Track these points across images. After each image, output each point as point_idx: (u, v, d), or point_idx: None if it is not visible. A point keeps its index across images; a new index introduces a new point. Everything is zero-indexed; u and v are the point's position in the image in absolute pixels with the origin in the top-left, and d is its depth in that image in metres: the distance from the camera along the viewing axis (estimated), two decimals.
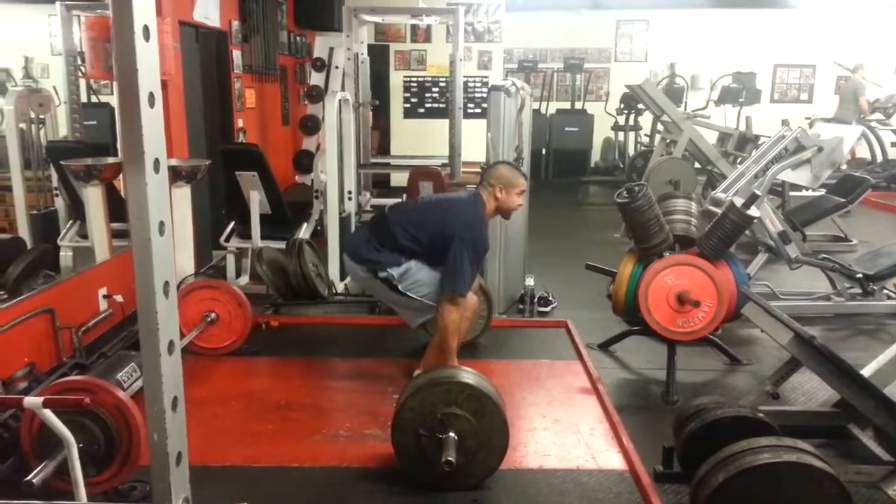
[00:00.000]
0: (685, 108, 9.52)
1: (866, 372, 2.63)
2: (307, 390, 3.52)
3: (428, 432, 2.54)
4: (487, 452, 2.59)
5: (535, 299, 4.60)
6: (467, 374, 2.67)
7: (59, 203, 4.36)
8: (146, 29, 1.35)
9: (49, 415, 2.04)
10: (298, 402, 3.36)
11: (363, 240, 3.42)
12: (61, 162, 3.93)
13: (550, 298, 4.70)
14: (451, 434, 2.53)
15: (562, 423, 3.18)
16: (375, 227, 3.41)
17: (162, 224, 1.43)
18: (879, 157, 10.00)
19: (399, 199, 5.19)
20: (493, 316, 4.11)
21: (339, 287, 4.84)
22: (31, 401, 2.07)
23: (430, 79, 9.73)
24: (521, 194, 3.47)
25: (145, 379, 1.49)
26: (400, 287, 3.32)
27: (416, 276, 3.32)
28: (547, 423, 3.18)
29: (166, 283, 1.45)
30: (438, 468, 2.46)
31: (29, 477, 2.10)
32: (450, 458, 2.45)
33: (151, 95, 1.38)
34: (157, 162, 1.41)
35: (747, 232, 4.16)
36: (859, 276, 4.45)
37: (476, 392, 2.57)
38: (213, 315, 3.76)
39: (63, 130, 4.51)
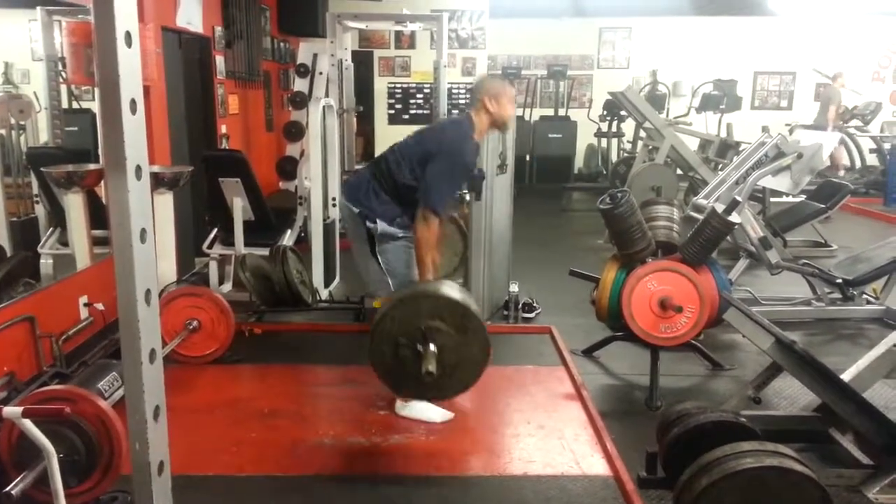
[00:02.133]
0: (667, 115, 9.61)
1: (846, 376, 2.65)
2: (291, 398, 3.51)
3: (409, 343, 2.49)
4: (465, 369, 2.56)
5: (520, 305, 4.61)
6: (454, 290, 2.62)
7: (40, 210, 4.31)
8: (128, 35, 1.34)
9: (29, 425, 2.02)
10: (282, 410, 3.34)
11: (362, 181, 3.32)
12: (42, 168, 3.89)
13: (535, 304, 4.71)
14: (432, 347, 2.48)
15: (546, 430, 3.18)
16: (375, 166, 3.32)
17: (143, 231, 1.42)
18: (858, 164, 10.14)
19: None
20: (468, 251, 3.98)
21: (324, 294, 4.83)
22: (11, 410, 2.04)
23: (414, 85, 9.75)
24: (512, 102, 3.33)
25: (126, 388, 1.48)
26: (376, 247, 3.24)
27: (393, 253, 3.23)
28: (531, 430, 3.18)
29: (148, 291, 1.44)
30: (413, 380, 2.44)
31: (8, 488, 2.06)
32: (430, 369, 2.42)
33: (133, 102, 1.37)
34: (138, 169, 1.40)
35: (728, 238, 4.20)
36: (839, 281, 4.49)
37: (462, 309, 2.52)
38: (195, 323, 3.73)
39: (44, 136, 4.47)
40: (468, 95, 9.36)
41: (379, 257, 3.27)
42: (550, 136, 10.60)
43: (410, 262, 3.27)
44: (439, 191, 3.12)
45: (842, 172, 9.84)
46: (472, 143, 3.25)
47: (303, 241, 5.26)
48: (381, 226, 3.21)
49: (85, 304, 3.72)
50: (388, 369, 2.57)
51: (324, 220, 4.92)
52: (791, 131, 8.84)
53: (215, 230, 4.98)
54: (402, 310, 2.53)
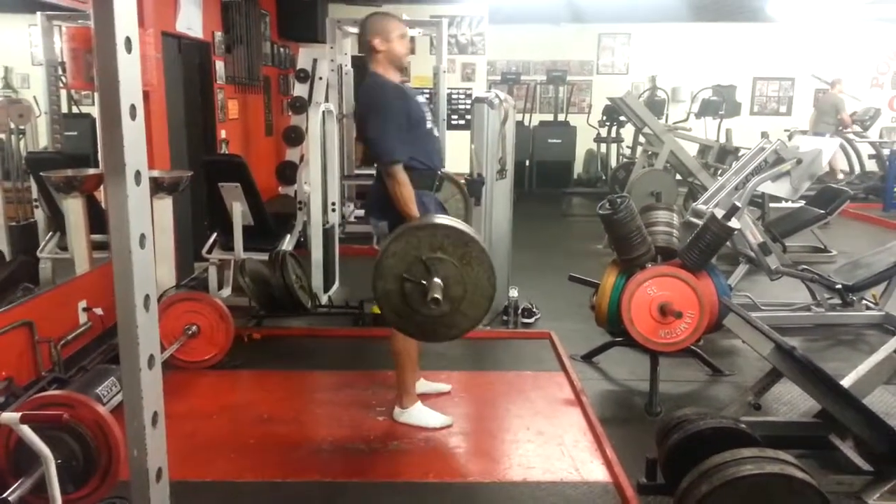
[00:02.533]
0: (666, 121, 9.61)
1: (846, 382, 2.65)
2: (290, 404, 3.50)
3: (413, 278, 2.41)
4: (472, 302, 2.49)
5: (519, 311, 4.60)
6: (454, 221, 2.56)
7: (39, 214, 4.31)
8: (128, 41, 1.34)
9: (27, 431, 2.01)
10: (281, 416, 3.34)
11: (373, 191, 3.25)
12: (41, 173, 3.89)
13: (534, 310, 4.70)
14: (437, 279, 2.42)
15: (546, 436, 3.18)
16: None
17: (143, 237, 1.41)
18: (857, 170, 10.15)
19: None
20: (472, 206, 3.93)
21: (323, 299, 4.82)
22: (9, 416, 2.03)
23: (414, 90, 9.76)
24: (402, 37, 3.13)
25: (125, 394, 1.47)
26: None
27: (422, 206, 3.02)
28: (531, 436, 3.18)
29: (147, 297, 1.44)
30: (421, 317, 2.37)
31: (5, 494, 2.06)
32: (436, 296, 2.36)
33: (133, 107, 1.37)
34: (138, 174, 1.40)
35: (728, 243, 4.20)
36: (839, 286, 4.49)
37: (463, 237, 2.46)
38: (194, 328, 3.72)
39: (43, 141, 4.47)
40: (468, 103, 9.39)
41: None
42: (550, 141, 10.62)
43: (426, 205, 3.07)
44: (382, 139, 2.94)
45: (840, 176, 9.84)
46: (388, 85, 3.06)
47: (302, 246, 5.25)
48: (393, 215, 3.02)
49: (84, 309, 3.71)
50: (396, 309, 2.47)
51: (323, 224, 4.91)
52: (790, 137, 8.88)
53: (214, 235, 4.98)
54: (401, 244, 2.45)
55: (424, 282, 2.41)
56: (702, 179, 7.22)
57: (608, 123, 10.40)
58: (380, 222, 3.11)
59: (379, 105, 3.00)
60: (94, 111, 4.97)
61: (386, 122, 2.94)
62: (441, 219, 2.61)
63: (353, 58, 7.50)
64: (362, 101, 3.14)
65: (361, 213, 7.15)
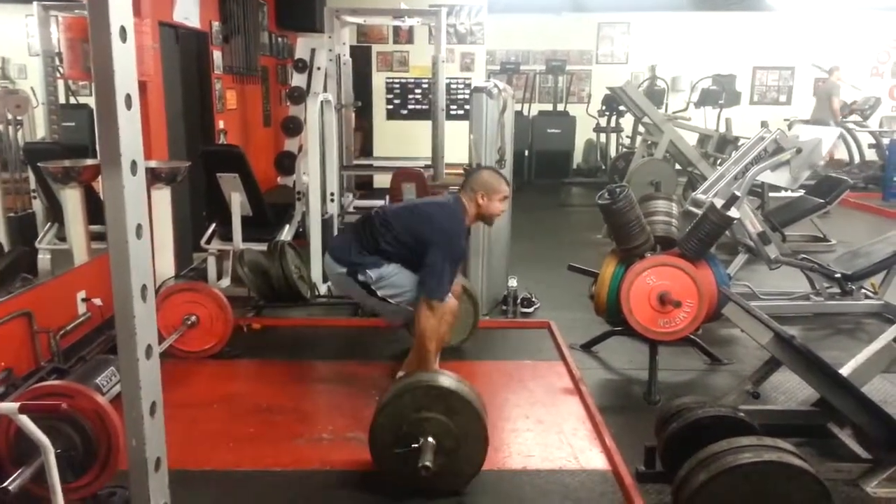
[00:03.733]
0: (666, 110, 9.59)
1: (845, 371, 2.65)
2: (289, 393, 3.50)
3: (404, 447, 2.50)
4: (468, 449, 2.56)
5: (518, 300, 4.61)
6: (431, 375, 2.65)
7: (37, 205, 4.31)
8: (123, 30, 1.34)
9: (26, 420, 2.01)
10: (280, 406, 3.34)
11: (346, 242, 3.41)
12: (39, 164, 3.88)
13: (533, 299, 4.71)
14: (429, 439, 2.49)
15: (545, 424, 3.18)
16: (359, 229, 3.39)
17: (139, 227, 1.41)
18: (857, 159, 10.14)
19: (382, 202, 5.18)
20: (480, 317, 4.10)
21: (322, 289, 4.82)
22: (7, 406, 2.03)
23: (412, 80, 9.73)
24: (503, 200, 3.44)
25: (123, 384, 1.47)
26: (377, 292, 3.30)
27: (393, 280, 3.29)
28: (530, 424, 3.18)
29: (144, 287, 1.44)
30: (424, 477, 2.44)
31: (5, 484, 2.06)
32: (427, 464, 2.42)
33: (128, 97, 1.37)
34: (134, 164, 1.39)
35: (727, 233, 4.19)
36: (838, 275, 4.50)
37: (441, 391, 2.54)
38: (193, 318, 3.73)
39: (41, 132, 4.46)
40: (467, 93, 9.35)
41: (386, 299, 3.32)
42: (549, 131, 10.60)
43: (411, 278, 3.30)
44: (440, 280, 3.21)
45: (821, 163, 9.78)
46: (463, 228, 3.39)
47: (301, 237, 5.25)
48: (372, 273, 3.27)
49: (83, 300, 3.71)
50: (401, 473, 2.58)
51: (322, 215, 4.90)
52: (790, 126, 8.86)
53: (213, 225, 4.98)
54: (385, 417, 2.55)
55: (416, 445, 2.49)
56: (701, 169, 7.21)
57: (607, 113, 10.39)
58: (361, 276, 3.29)
59: (450, 245, 3.27)
60: (92, 101, 4.96)
61: (449, 261, 3.25)
62: (417, 377, 2.69)
63: (352, 47, 7.48)
64: (436, 225, 3.29)
65: (360, 203, 7.15)
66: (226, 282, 4.89)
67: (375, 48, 9.63)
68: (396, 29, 9.51)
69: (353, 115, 7.43)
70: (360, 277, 3.29)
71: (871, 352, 2.73)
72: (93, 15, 1.32)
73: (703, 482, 2.10)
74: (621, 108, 9.61)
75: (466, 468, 2.60)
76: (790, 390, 3.44)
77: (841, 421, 2.78)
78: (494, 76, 10.01)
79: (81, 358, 3.34)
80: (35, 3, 4.16)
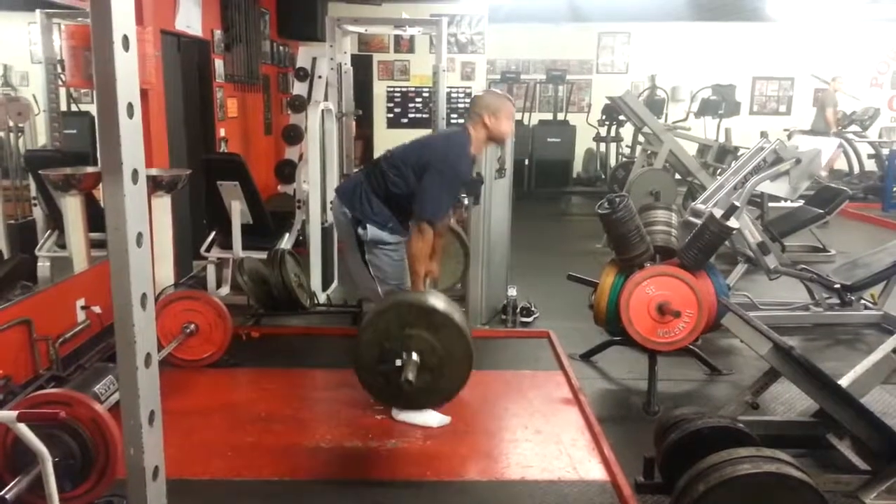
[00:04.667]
0: (666, 120, 9.62)
1: (844, 382, 2.65)
2: (288, 402, 3.50)
3: (390, 363, 2.47)
4: (453, 365, 2.54)
5: (518, 310, 4.60)
6: (414, 294, 2.63)
7: (38, 213, 4.31)
8: (125, 39, 1.34)
9: (24, 429, 2.01)
10: (279, 414, 3.34)
11: (356, 181, 3.34)
12: (40, 171, 3.88)
13: (533, 309, 4.71)
14: (413, 356, 2.47)
15: (544, 434, 3.18)
16: (369, 173, 3.32)
17: (140, 235, 1.41)
18: (856, 169, 10.15)
19: None
20: (469, 265, 4.01)
21: (321, 297, 4.82)
22: (6, 415, 2.03)
23: (413, 89, 9.76)
24: (510, 118, 3.34)
25: (122, 393, 1.47)
26: (364, 253, 3.25)
27: (386, 259, 3.23)
28: (529, 434, 3.18)
29: (144, 295, 1.44)
30: (409, 392, 2.43)
31: (2, 493, 2.06)
32: (409, 378, 2.41)
33: (130, 106, 1.37)
34: (135, 172, 1.39)
35: (727, 243, 4.20)
36: (837, 286, 4.50)
37: (424, 308, 2.52)
38: (192, 326, 3.72)
39: (42, 139, 4.47)
40: (468, 102, 9.38)
41: (368, 264, 3.28)
42: (549, 140, 10.61)
43: (401, 269, 3.27)
44: (435, 202, 3.14)
45: (824, 174, 9.80)
46: (468, 156, 3.27)
47: (301, 245, 5.26)
48: (371, 231, 3.21)
49: (82, 307, 3.71)
50: (386, 393, 2.58)
51: (322, 223, 4.91)
52: (789, 136, 8.88)
53: (213, 233, 4.98)
54: (370, 333, 2.53)
55: (399, 362, 2.49)
56: (701, 179, 7.22)
57: (607, 123, 10.41)
58: (360, 229, 3.22)
59: (450, 169, 3.19)
60: (93, 109, 4.97)
61: (448, 188, 3.18)
62: (401, 295, 2.71)
63: (353, 56, 7.50)
64: (439, 151, 3.24)
65: None
66: (225, 290, 4.89)
67: (376, 57, 9.67)
68: (397, 38, 9.55)
69: (354, 123, 7.42)
70: (360, 230, 3.22)
71: (871, 363, 2.73)
72: (95, 24, 1.32)
73: (702, 493, 2.09)
74: (621, 117, 9.63)
75: (450, 384, 2.58)
76: (789, 401, 3.44)
77: (840, 432, 2.77)
78: (495, 85, 10.05)
79: (80, 366, 3.35)
80: (37, 10, 4.18)
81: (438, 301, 2.58)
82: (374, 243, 3.23)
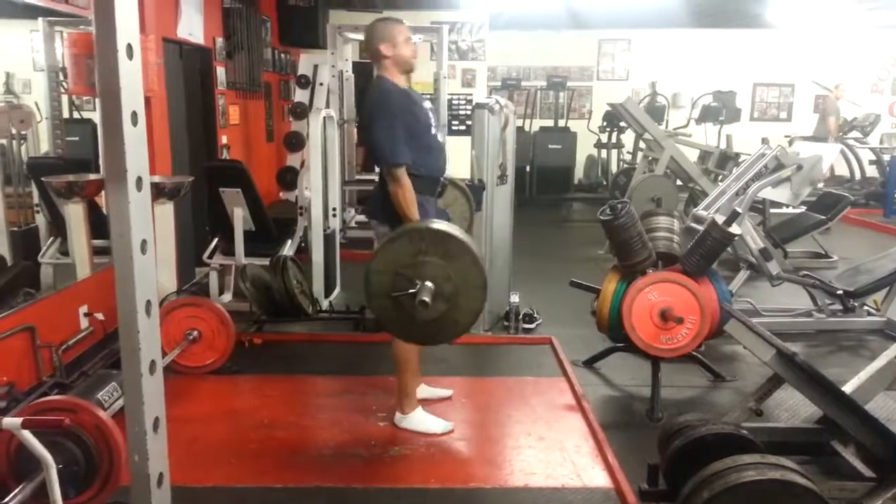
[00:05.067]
0: (667, 127, 9.63)
1: (848, 388, 2.64)
2: (291, 409, 3.49)
3: (401, 290, 2.40)
4: (467, 294, 2.48)
5: (520, 316, 4.60)
6: (427, 221, 2.57)
7: (40, 220, 4.31)
8: (129, 48, 1.35)
9: (28, 436, 2.01)
10: (282, 421, 3.33)
11: (374, 196, 3.29)
12: (42, 178, 3.89)
13: (535, 315, 4.70)
14: (427, 283, 2.41)
15: (547, 441, 3.17)
16: (380, 180, 3.22)
17: (144, 242, 1.42)
18: (858, 175, 10.16)
19: None
20: (474, 211, 3.96)
21: (324, 304, 4.82)
22: (10, 421, 2.03)
23: None
24: (407, 41, 3.15)
25: (126, 399, 1.47)
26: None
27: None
28: (532, 441, 3.17)
29: (148, 302, 1.44)
30: (422, 322, 2.36)
31: (6, 500, 2.06)
32: (424, 299, 2.34)
33: (134, 114, 1.37)
34: (139, 180, 1.40)
35: (729, 249, 4.19)
36: (840, 292, 4.49)
37: (439, 234, 2.46)
38: (195, 333, 3.72)
39: (45, 146, 4.47)
40: (469, 109, 9.39)
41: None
42: (550, 147, 10.62)
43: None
44: (387, 142, 2.98)
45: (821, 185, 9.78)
46: (395, 90, 3.09)
47: (303, 252, 5.25)
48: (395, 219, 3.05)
49: (85, 314, 3.71)
50: (396, 321, 2.48)
51: (324, 230, 4.92)
52: (790, 143, 8.88)
53: (216, 240, 4.98)
54: (381, 259, 2.44)
55: (412, 290, 2.41)
56: (702, 185, 7.21)
57: (608, 129, 10.42)
58: (381, 226, 3.13)
59: (386, 109, 3.02)
60: (96, 116, 4.98)
61: (392, 127, 2.98)
62: (415, 224, 2.62)
63: (354, 63, 7.52)
64: (369, 104, 3.12)
65: (362, 218, 7.16)
66: (228, 296, 4.89)
67: None
68: None
69: (356, 130, 7.45)
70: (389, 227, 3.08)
71: (875, 369, 2.72)
72: (100, 32, 1.33)
73: (707, 500, 2.08)
74: (622, 124, 9.64)
75: (464, 316, 2.51)
76: (793, 408, 3.43)
77: (844, 439, 2.77)
78: (496, 92, 10.06)
79: (84, 373, 3.34)
80: (40, 18, 4.19)
81: (452, 228, 2.52)
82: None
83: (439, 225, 2.54)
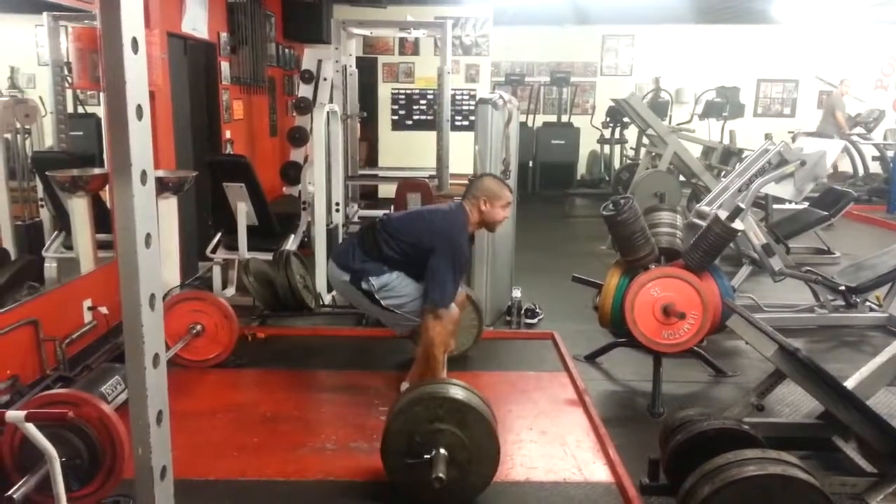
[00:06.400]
0: (670, 122, 9.60)
1: (850, 384, 2.65)
2: (293, 403, 3.51)
3: (416, 457, 2.49)
4: (481, 462, 2.56)
5: (522, 311, 4.61)
6: (446, 387, 2.64)
7: (45, 214, 4.32)
8: (135, 41, 1.35)
9: (31, 429, 2.02)
10: (285, 415, 3.35)
11: (349, 248, 3.40)
12: (47, 172, 3.90)
13: (537, 310, 4.71)
14: (442, 450, 2.49)
15: (548, 436, 3.18)
16: (362, 237, 3.39)
17: (148, 236, 1.42)
18: (861, 171, 10.13)
19: (387, 211, 5.19)
20: (484, 327, 4.10)
21: (327, 299, 4.83)
22: (14, 414, 2.04)
23: (417, 91, 9.77)
24: (505, 207, 3.42)
25: (130, 392, 1.48)
26: (380, 301, 3.29)
27: (396, 289, 3.28)
28: (534, 436, 3.18)
29: (152, 296, 1.45)
30: (434, 488, 2.43)
31: (10, 492, 2.07)
32: (440, 475, 2.41)
33: (139, 108, 1.38)
34: (143, 174, 1.41)
35: (731, 244, 4.19)
36: (842, 288, 4.49)
37: (457, 403, 2.54)
38: (198, 327, 3.73)
39: (49, 141, 4.48)
40: (472, 104, 9.39)
41: (390, 308, 3.32)
42: (553, 142, 10.61)
43: (413, 290, 3.30)
44: (445, 287, 3.19)
45: (824, 179, 9.74)
46: (467, 235, 3.37)
47: (306, 246, 5.27)
48: (375, 281, 3.27)
49: (89, 308, 3.73)
50: (412, 485, 2.57)
51: (327, 225, 4.92)
52: (794, 139, 8.86)
53: (219, 234, 5.00)
54: (399, 425, 2.54)
55: (428, 456, 2.49)
56: (705, 181, 7.21)
57: (612, 125, 10.40)
58: (364, 285, 3.28)
59: (454, 252, 3.24)
60: (100, 111, 5.00)
61: (454, 270, 3.23)
62: (431, 386, 2.69)
63: (358, 59, 7.52)
64: (439, 232, 3.27)
65: (365, 213, 7.17)
66: (231, 291, 4.91)
67: (381, 59, 9.68)
68: (402, 41, 9.56)
69: (359, 125, 7.46)
70: (364, 286, 3.28)
71: (876, 364, 2.73)
72: (105, 26, 1.33)
73: (708, 495, 2.09)
74: (625, 119, 9.64)
75: (477, 481, 2.59)
76: (795, 403, 3.43)
77: (846, 434, 2.77)
78: (499, 87, 10.05)
79: (87, 366, 3.36)
80: (45, 13, 4.20)
81: (470, 395, 2.61)
82: (382, 289, 3.28)
83: (457, 392, 2.61)
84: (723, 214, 3.49)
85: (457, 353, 3.84)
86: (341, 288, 3.46)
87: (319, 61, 7.44)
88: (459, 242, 3.28)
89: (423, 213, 3.58)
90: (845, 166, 10.27)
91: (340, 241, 5.16)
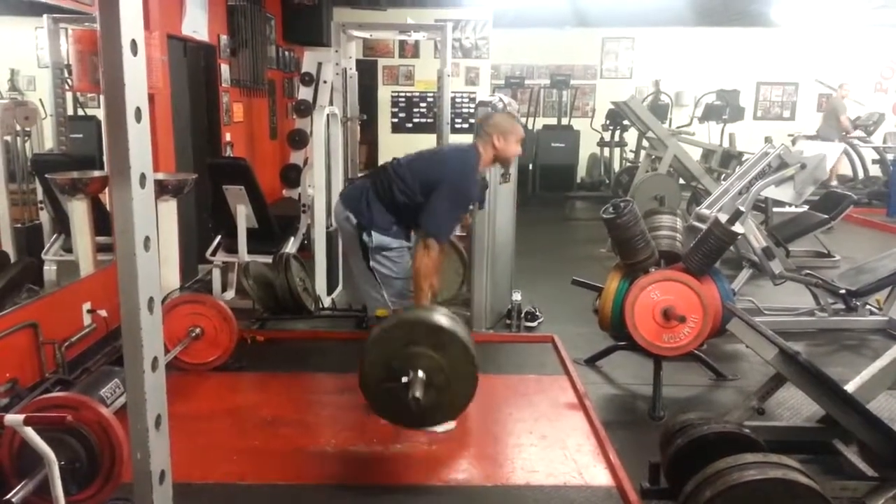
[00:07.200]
0: (670, 125, 9.62)
1: (850, 387, 2.64)
2: (293, 406, 3.50)
3: (395, 382, 2.47)
4: (459, 382, 2.55)
5: (522, 314, 4.60)
6: (419, 311, 2.64)
7: (44, 216, 4.32)
8: (134, 43, 1.35)
9: (30, 432, 2.01)
10: (284, 418, 3.34)
11: (361, 187, 3.35)
12: (46, 175, 3.90)
13: (537, 313, 4.70)
14: (419, 373, 2.48)
15: (549, 439, 3.17)
16: (375, 177, 3.34)
17: (147, 239, 1.42)
18: (861, 175, 10.13)
19: None
20: (466, 277, 4.05)
21: (326, 301, 4.83)
22: (12, 418, 2.04)
23: (417, 94, 9.79)
24: (518, 141, 3.36)
25: (129, 396, 1.47)
26: (370, 259, 3.26)
27: (393, 258, 3.26)
28: (534, 439, 3.17)
29: (151, 299, 1.44)
30: (417, 410, 2.43)
31: (8, 496, 2.06)
32: (416, 395, 2.41)
33: (138, 110, 1.37)
34: (143, 177, 1.40)
35: (732, 248, 4.19)
36: (842, 291, 4.48)
37: (431, 326, 2.53)
38: (198, 330, 3.73)
39: (49, 143, 4.48)
40: (472, 107, 9.40)
41: (373, 271, 3.30)
42: (553, 145, 10.60)
43: (405, 275, 3.30)
44: (442, 219, 3.17)
45: (834, 182, 9.78)
46: (476, 174, 3.32)
47: (306, 249, 5.26)
48: (376, 238, 3.25)
49: (88, 311, 3.72)
50: (392, 411, 2.59)
51: (327, 227, 4.92)
52: (794, 142, 8.87)
53: (219, 237, 4.99)
54: (375, 352, 2.54)
55: (405, 379, 2.48)
56: (705, 184, 7.22)
57: (612, 127, 10.40)
58: (366, 236, 3.25)
59: (459, 187, 3.21)
60: (100, 113, 4.99)
61: (455, 205, 3.22)
62: (407, 314, 2.70)
63: (358, 61, 7.52)
64: (448, 167, 3.26)
65: None
66: (230, 294, 4.90)
67: (381, 62, 9.69)
68: (402, 43, 9.57)
69: (359, 128, 7.45)
70: (365, 237, 3.25)
71: (877, 368, 2.72)
72: (104, 28, 1.33)
73: (709, 499, 2.08)
74: (625, 122, 9.64)
75: (458, 400, 2.58)
76: (795, 406, 3.43)
77: (847, 438, 2.76)
78: (499, 90, 10.05)
79: (86, 369, 3.35)
80: (45, 15, 4.20)
81: (443, 318, 2.59)
82: (379, 249, 3.26)
83: (431, 315, 2.60)
84: (723, 217, 3.49)
85: (442, 298, 3.80)
86: (344, 227, 3.40)
87: (319, 64, 7.44)
88: (467, 181, 3.25)
89: (434, 151, 3.59)
90: (845, 169, 10.29)
91: (340, 246, 5.16)
